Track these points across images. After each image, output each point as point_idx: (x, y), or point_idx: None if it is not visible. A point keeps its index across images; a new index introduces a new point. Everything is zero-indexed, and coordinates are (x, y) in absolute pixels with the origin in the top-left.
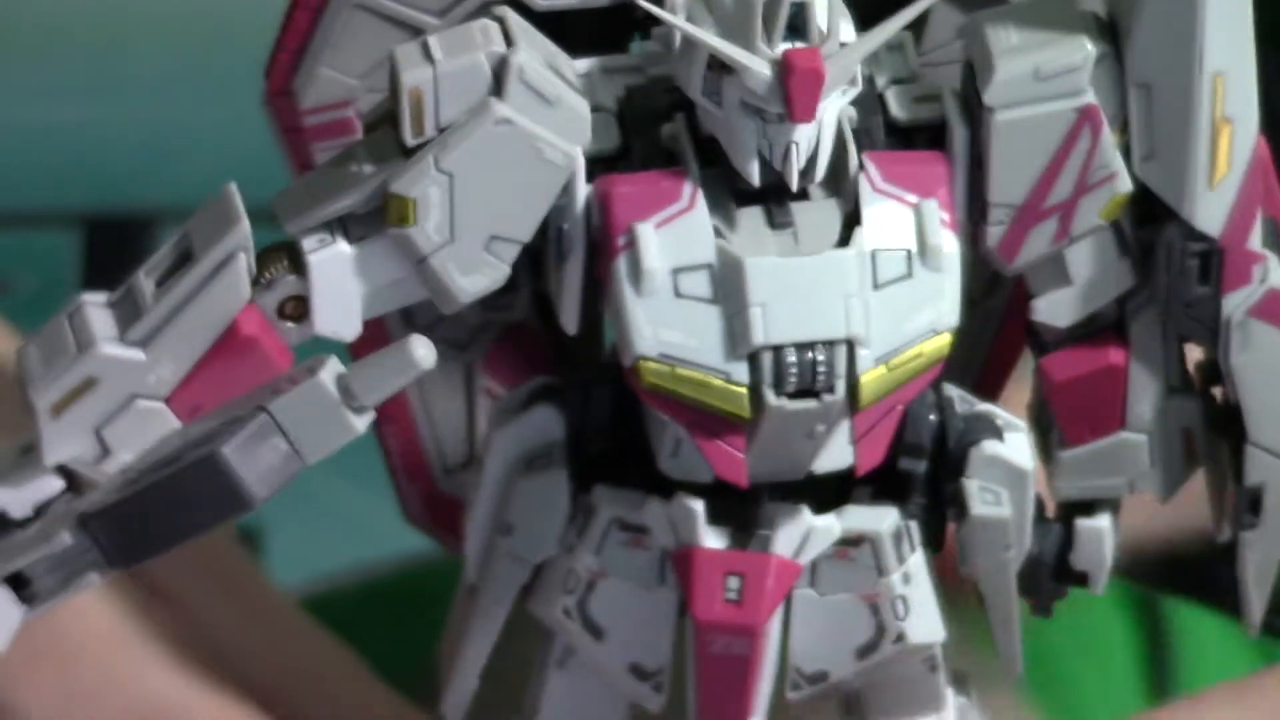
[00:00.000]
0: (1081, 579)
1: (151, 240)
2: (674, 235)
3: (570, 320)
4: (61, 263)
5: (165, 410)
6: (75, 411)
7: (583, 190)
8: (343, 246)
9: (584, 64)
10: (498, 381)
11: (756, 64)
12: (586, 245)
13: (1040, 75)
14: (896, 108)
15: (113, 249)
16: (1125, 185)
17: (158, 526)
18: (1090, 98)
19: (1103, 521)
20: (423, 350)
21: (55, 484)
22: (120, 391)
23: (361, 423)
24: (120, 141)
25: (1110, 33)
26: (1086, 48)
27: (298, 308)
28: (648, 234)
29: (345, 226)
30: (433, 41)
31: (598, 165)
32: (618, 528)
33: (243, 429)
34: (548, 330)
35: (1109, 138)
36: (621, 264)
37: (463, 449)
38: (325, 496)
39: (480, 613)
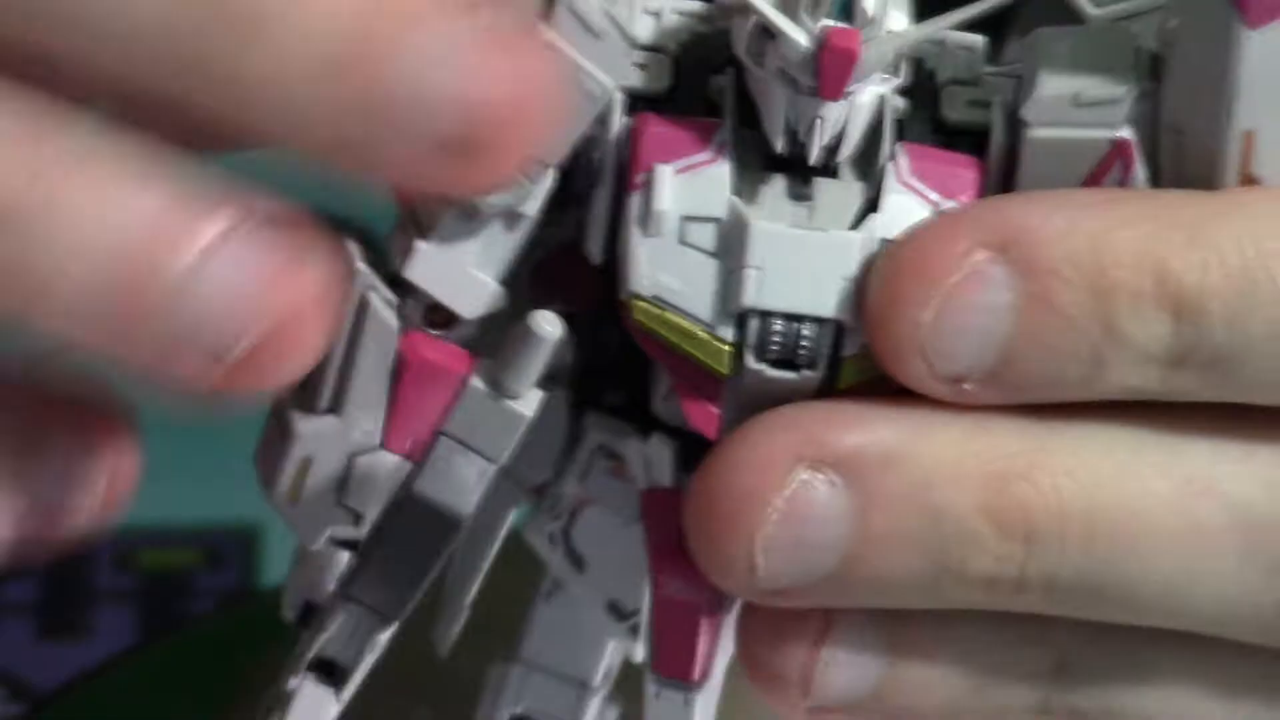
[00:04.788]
0: None
1: None
2: (692, 184)
3: (595, 248)
4: None
5: (387, 455)
6: (309, 492)
7: (619, 123)
8: (417, 241)
9: (657, 3)
10: (534, 296)
11: (796, 34)
12: (616, 177)
13: (1079, 101)
14: (948, 106)
15: None
16: None
17: (401, 571)
18: (1125, 132)
19: None
20: (546, 325)
21: (343, 558)
22: (336, 458)
23: (528, 405)
24: None
25: (1161, 71)
26: (1130, 82)
27: (442, 312)
28: (665, 176)
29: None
30: None
31: (642, 103)
32: (603, 454)
33: (429, 459)
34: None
35: (1140, 175)
36: (635, 201)
37: None
38: None
39: (472, 537)
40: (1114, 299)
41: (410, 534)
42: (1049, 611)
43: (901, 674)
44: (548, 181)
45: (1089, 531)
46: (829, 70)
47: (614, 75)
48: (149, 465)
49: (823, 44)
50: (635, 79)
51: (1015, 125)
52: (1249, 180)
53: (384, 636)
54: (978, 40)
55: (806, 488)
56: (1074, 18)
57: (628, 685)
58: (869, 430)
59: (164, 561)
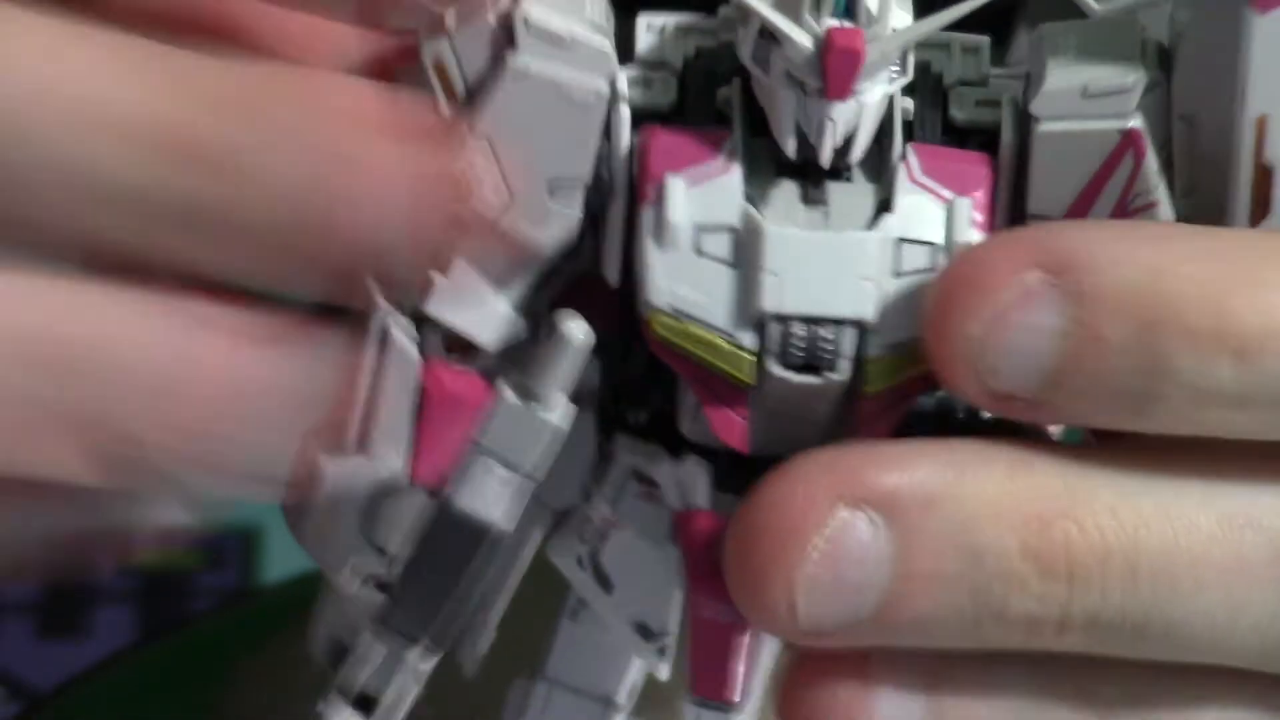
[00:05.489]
0: None
1: None
2: (704, 194)
3: (613, 269)
4: None
5: (415, 490)
6: (336, 530)
7: (625, 136)
8: (435, 275)
9: (660, 20)
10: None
11: (799, 35)
12: (628, 194)
13: (1088, 93)
14: (956, 107)
15: None
16: (1166, 215)
17: (440, 592)
18: (1135, 122)
19: None
20: (577, 331)
21: (378, 598)
22: (362, 495)
23: (560, 416)
24: None
25: (1169, 61)
26: (1138, 72)
27: (462, 342)
28: (677, 188)
29: None
30: (448, 15)
31: (651, 119)
32: (634, 478)
33: (462, 473)
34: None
35: (1152, 165)
36: (648, 214)
37: None
38: None
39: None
40: (1166, 335)
41: (447, 552)
42: (1092, 651)
43: (943, 716)
44: (578, 214)
45: (1132, 569)
46: (835, 70)
47: (598, 74)
48: None
49: (827, 44)
50: (634, 92)
51: (1025, 121)
52: (1263, 167)
53: (427, 667)
54: (984, 41)
55: (847, 527)
56: (1079, 13)
57: (650, 702)
58: (910, 470)
59: (164, 561)
